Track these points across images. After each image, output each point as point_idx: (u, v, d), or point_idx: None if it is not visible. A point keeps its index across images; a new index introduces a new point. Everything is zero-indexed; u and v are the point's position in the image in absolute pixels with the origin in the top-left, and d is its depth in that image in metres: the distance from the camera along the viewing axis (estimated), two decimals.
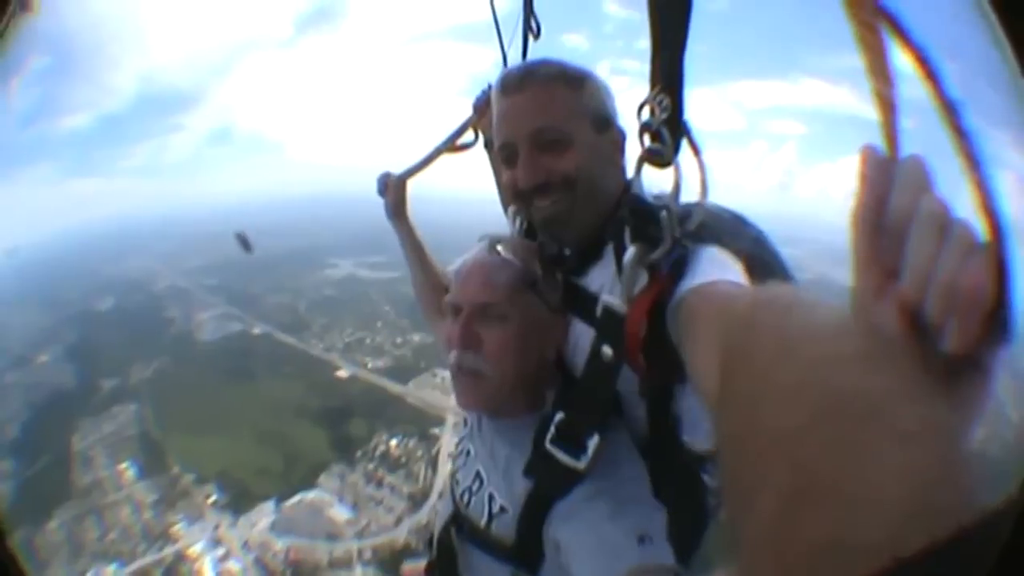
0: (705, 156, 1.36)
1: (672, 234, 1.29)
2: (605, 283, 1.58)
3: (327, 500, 47.92)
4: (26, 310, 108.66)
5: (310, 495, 48.52)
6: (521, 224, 1.88)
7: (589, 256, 1.68)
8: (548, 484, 1.47)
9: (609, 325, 1.40)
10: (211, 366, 76.15)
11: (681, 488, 1.61)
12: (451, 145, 2.40)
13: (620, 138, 1.67)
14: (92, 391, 68.44)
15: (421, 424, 56.04)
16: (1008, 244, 0.49)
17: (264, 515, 46.31)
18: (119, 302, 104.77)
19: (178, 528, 45.37)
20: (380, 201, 2.43)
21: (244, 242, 33.70)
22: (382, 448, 53.35)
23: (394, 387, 65.66)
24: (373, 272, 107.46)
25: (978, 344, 0.48)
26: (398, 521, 44.67)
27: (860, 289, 0.58)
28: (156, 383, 70.08)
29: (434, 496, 44.53)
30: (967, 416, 0.55)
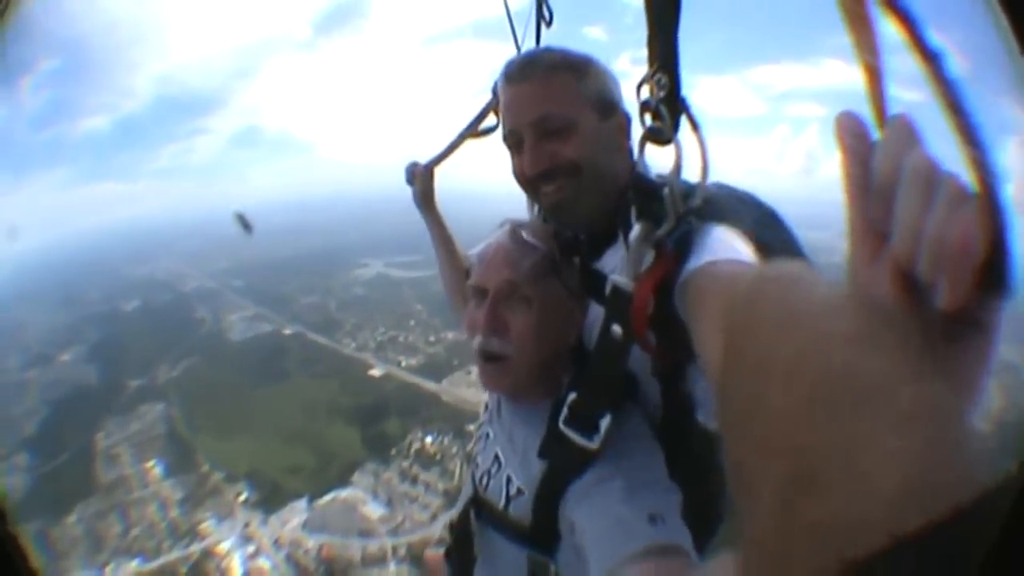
0: (705, 133, 1.38)
1: (676, 211, 1.33)
2: (618, 265, 1.52)
3: (360, 497, 46.94)
4: (48, 309, 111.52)
5: (343, 493, 47.53)
6: (539, 209, 1.96)
7: (602, 240, 1.71)
8: (562, 464, 1.49)
9: (617, 304, 1.42)
10: (242, 366, 76.30)
11: (696, 469, 1.54)
12: (473, 131, 2.41)
13: (625, 123, 1.69)
14: (117, 390, 68.77)
15: (455, 421, 55.19)
16: (1000, 193, 0.46)
17: (296, 513, 45.32)
18: (145, 303, 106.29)
19: (206, 526, 44.64)
20: (409, 201, 2.53)
21: (244, 223, 32.78)
22: (416, 445, 52.79)
23: (428, 385, 65.24)
24: (404, 271, 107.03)
25: (973, 299, 0.46)
26: (433, 518, 43.95)
27: (854, 258, 0.58)
28: (185, 382, 70.24)
29: None
30: (969, 385, 0.52)
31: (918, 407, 0.40)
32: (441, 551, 2.10)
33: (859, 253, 0.57)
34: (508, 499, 1.61)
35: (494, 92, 2.15)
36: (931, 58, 0.60)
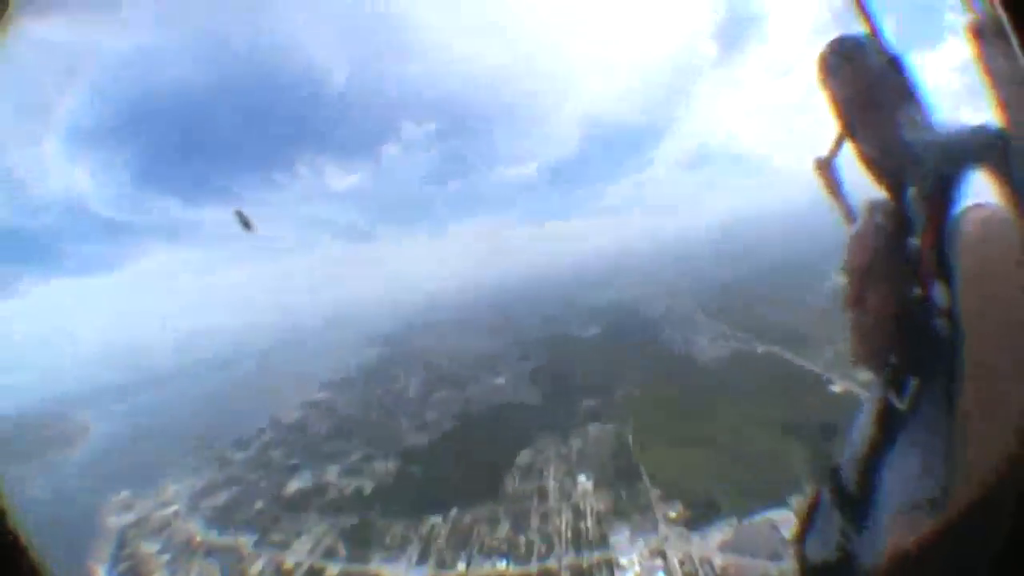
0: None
1: (924, 164, 1.62)
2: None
3: (789, 518, 41.41)
4: (485, 336, 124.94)
5: (776, 514, 43.11)
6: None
7: None
8: (880, 427, 1.79)
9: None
10: (707, 385, 74.24)
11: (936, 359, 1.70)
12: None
13: None
14: (562, 410, 73.73)
15: None
16: None
17: (721, 532, 43.36)
18: (605, 328, 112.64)
19: (618, 538, 45.27)
20: None
21: (244, 220, 33.63)
22: None
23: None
24: None
25: None
26: None
27: None
28: (644, 403, 71.92)
29: None
30: None
31: None
32: None
33: None
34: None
35: None
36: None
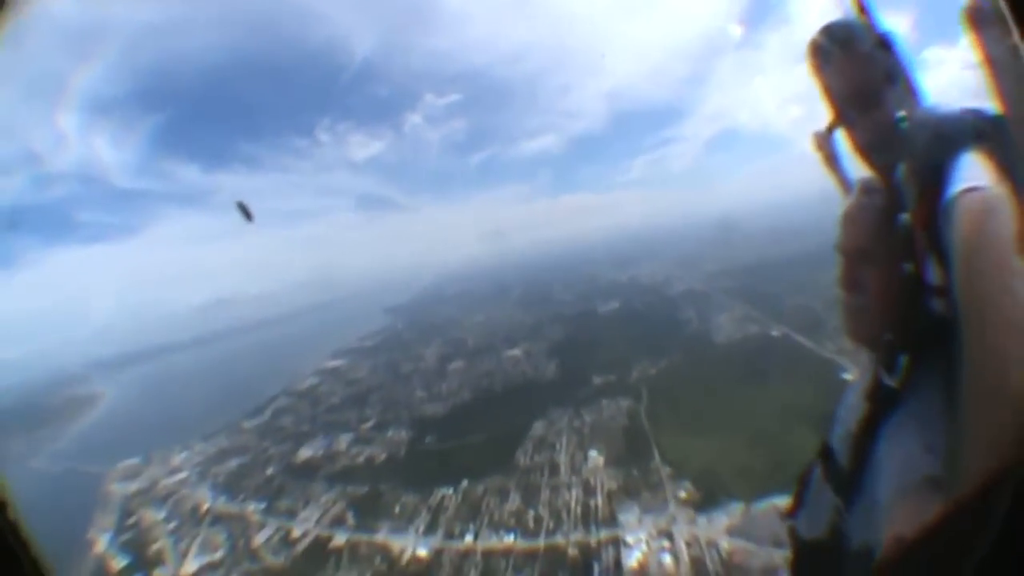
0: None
1: (917, 146, 1.65)
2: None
3: None
4: (508, 309, 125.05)
5: (783, 501, 42.05)
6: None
7: None
8: (872, 404, 1.81)
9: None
10: (724, 367, 74.08)
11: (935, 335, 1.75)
12: None
13: None
14: (578, 385, 73.84)
15: None
16: None
17: (729, 515, 43.40)
18: (624, 305, 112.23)
19: (627, 517, 45.30)
20: None
21: (244, 211, 33.39)
22: None
23: None
24: None
25: None
26: None
27: None
28: (660, 381, 71.84)
29: None
30: None
31: None
32: None
33: None
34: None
35: None
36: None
